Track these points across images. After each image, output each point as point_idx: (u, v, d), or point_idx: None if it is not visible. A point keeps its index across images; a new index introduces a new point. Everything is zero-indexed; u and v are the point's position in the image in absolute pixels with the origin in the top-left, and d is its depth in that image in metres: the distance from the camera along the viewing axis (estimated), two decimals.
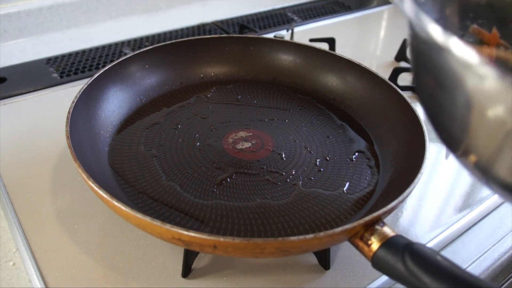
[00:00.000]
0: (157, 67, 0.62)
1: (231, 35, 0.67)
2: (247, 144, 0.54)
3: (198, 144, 0.54)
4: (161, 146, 0.53)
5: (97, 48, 0.78)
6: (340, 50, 0.77)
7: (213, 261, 0.44)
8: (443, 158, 0.59)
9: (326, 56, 0.64)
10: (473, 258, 0.46)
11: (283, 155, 0.53)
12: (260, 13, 0.94)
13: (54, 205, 0.49)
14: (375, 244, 0.36)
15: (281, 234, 0.43)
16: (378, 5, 1.01)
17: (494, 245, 0.48)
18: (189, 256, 0.42)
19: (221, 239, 0.36)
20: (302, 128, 0.58)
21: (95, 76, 0.55)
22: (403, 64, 0.79)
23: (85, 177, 0.41)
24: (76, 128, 0.48)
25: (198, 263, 0.43)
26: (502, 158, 0.19)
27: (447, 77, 0.20)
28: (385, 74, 0.60)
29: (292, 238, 0.37)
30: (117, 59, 0.59)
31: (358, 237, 0.37)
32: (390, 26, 0.96)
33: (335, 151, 0.54)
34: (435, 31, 0.19)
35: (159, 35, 0.83)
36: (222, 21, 0.89)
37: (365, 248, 0.36)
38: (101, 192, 0.39)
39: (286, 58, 0.66)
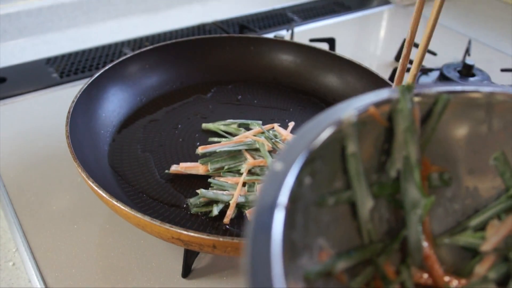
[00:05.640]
0: (157, 67, 0.62)
1: (231, 35, 0.67)
2: None
3: (198, 144, 0.54)
4: (161, 146, 0.53)
5: (97, 48, 0.78)
6: (340, 50, 0.77)
7: (213, 261, 0.44)
8: None
9: (326, 56, 0.64)
10: None
11: None
12: (260, 13, 0.94)
13: (54, 205, 0.49)
14: None
15: None
16: (378, 5, 1.01)
17: None
18: (189, 256, 0.42)
19: (220, 238, 0.36)
20: None
21: (95, 76, 0.55)
22: None
23: (85, 176, 0.41)
24: (76, 128, 0.48)
25: (198, 263, 0.43)
26: None
27: None
28: (385, 74, 0.60)
29: None
30: (117, 59, 0.59)
31: None
32: (390, 26, 0.96)
33: None
34: None
35: (159, 35, 0.83)
36: (222, 21, 0.89)
37: None
38: (100, 192, 0.39)
39: (286, 58, 0.66)
